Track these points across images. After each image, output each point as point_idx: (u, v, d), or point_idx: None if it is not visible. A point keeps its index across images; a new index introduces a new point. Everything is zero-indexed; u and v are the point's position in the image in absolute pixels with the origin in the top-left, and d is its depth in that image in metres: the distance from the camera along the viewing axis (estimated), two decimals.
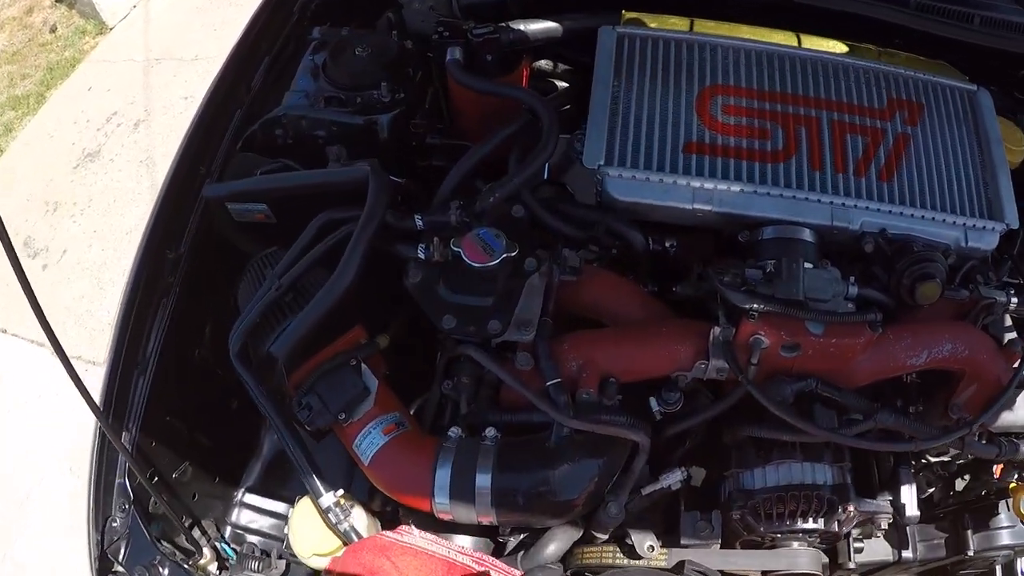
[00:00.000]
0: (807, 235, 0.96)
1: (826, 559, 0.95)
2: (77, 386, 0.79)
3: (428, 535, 0.86)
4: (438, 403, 0.99)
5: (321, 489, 0.88)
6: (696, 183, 0.97)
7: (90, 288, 2.34)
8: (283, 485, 1.28)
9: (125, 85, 2.82)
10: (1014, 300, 0.96)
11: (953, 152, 1.02)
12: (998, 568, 1.05)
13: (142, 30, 2.99)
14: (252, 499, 1.24)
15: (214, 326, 1.19)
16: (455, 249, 0.90)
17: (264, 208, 1.09)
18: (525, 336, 0.87)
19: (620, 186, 0.98)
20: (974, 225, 0.97)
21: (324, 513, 0.91)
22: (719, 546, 0.89)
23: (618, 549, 0.89)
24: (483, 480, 0.82)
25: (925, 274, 0.91)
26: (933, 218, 0.97)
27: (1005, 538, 0.95)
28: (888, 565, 1.00)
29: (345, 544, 0.93)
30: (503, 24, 1.13)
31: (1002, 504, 0.97)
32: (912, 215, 0.97)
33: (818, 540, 0.90)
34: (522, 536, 0.94)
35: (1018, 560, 1.03)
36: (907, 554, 0.97)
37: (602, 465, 0.84)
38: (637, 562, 0.87)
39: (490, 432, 0.86)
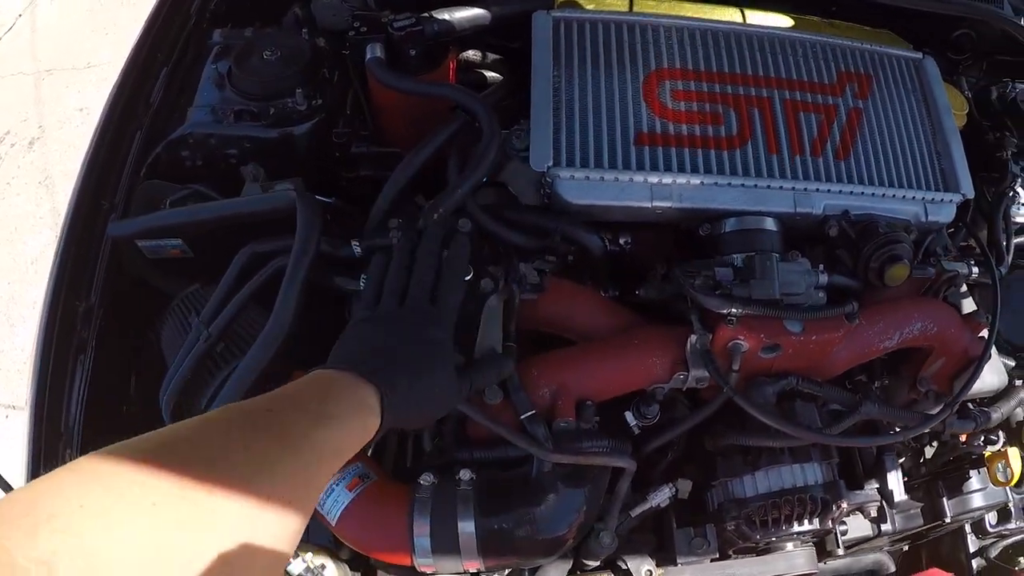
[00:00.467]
0: (770, 224, 0.92)
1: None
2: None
3: None
4: (398, 443, 0.92)
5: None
6: (653, 179, 0.90)
7: None
8: None
9: (16, 101, 2.59)
10: (975, 270, 0.95)
11: (905, 124, 0.99)
12: (967, 525, 1.06)
13: (29, 40, 2.70)
14: None
15: (138, 376, 1.07)
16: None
17: (179, 244, 0.97)
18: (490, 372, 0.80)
19: (572, 188, 0.90)
20: (932, 199, 0.95)
21: None
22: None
23: (612, 574, 0.84)
24: (466, 527, 0.75)
25: (894, 256, 0.88)
26: (893, 195, 0.94)
27: (978, 501, 0.97)
28: (869, 539, 0.99)
29: None
30: (425, 14, 1.02)
31: (973, 471, 0.97)
32: (872, 194, 0.94)
33: (811, 538, 0.88)
34: (507, 572, 0.88)
35: (987, 515, 1.05)
36: (886, 527, 0.97)
37: (588, 493, 0.79)
38: None
39: (465, 475, 0.78)
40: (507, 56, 1.12)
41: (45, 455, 0.93)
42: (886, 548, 1.10)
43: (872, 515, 0.92)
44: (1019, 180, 1.01)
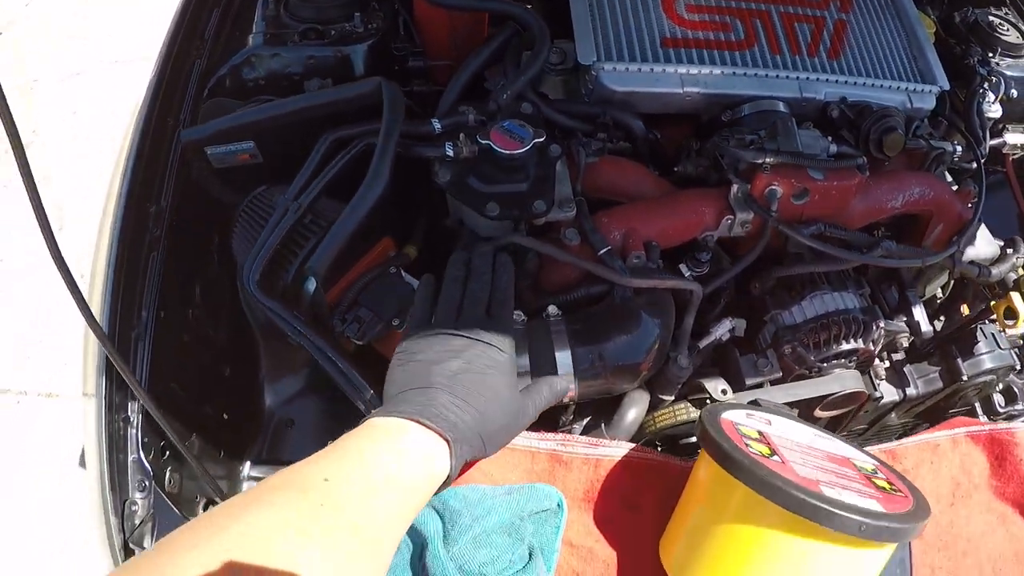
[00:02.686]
0: (782, 107, 1.06)
1: None
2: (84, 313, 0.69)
3: None
4: None
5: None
6: (683, 70, 1.04)
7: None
8: (289, 452, 1.20)
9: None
10: (959, 149, 1.11)
11: (882, 32, 1.17)
12: (977, 404, 1.18)
13: (13, 54, 2.71)
14: (259, 471, 1.15)
15: (202, 284, 1.10)
16: (483, 143, 0.89)
17: (250, 147, 1.03)
18: (568, 213, 0.89)
19: (615, 78, 1.02)
20: (915, 89, 1.12)
21: None
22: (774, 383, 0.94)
23: (689, 404, 0.91)
24: (563, 356, 0.81)
25: (889, 127, 1.03)
26: (882, 85, 1.10)
27: (988, 362, 1.08)
28: (897, 404, 1.08)
29: None
30: None
31: (979, 333, 1.09)
32: (864, 84, 1.10)
33: (855, 361, 0.98)
34: (585, 420, 0.94)
35: (994, 395, 1.17)
36: (911, 391, 1.07)
37: (663, 320, 0.87)
38: None
39: (552, 310, 0.86)
40: None
41: (119, 342, 0.94)
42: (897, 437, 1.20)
43: (903, 346, 1.02)
44: (986, 81, 1.18)
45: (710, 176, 1.02)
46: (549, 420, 0.92)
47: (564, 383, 0.79)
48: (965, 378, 1.08)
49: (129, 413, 0.91)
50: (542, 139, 0.91)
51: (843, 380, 0.96)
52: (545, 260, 0.91)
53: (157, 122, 1.07)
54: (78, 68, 2.64)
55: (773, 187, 0.94)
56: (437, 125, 0.94)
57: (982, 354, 1.10)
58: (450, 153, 0.91)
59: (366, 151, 0.93)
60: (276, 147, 1.02)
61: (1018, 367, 1.13)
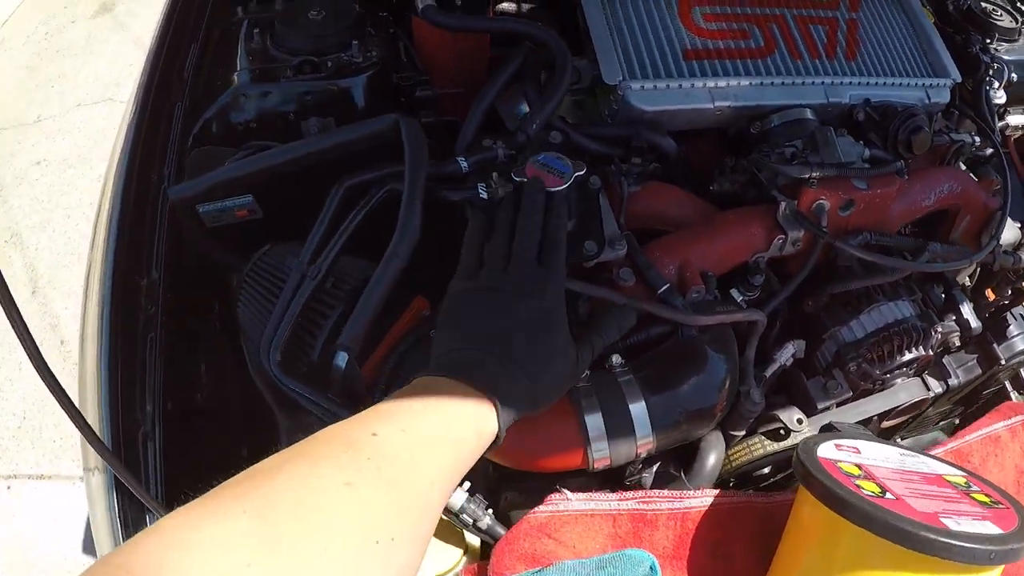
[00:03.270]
0: (810, 114, 1.02)
1: None
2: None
3: (580, 494, 0.77)
4: None
5: None
6: (711, 83, 0.98)
7: None
8: None
9: None
10: (977, 139, 1.09)
11: (892, 28, 1.14)
12: (1007, 383, 1.17)
13: None
14: None
15: (208, 361, 0.98)
16: (519, 180, 0.82)
17: (249, 201, 0.92)
18: (619, 251, 0.82)
19: (643, 97, 0.96)
20: (930, 84, 1.09)
21: (456, 516, 0.78)
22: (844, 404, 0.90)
23: (763, 438, 0.86)
24: (638, 409, 0.75)
25: (917, 127, 1.00)
26: (901, 83, 1.08)
27: (1022, 344, 1.07)
28: (940, 397, 1.07)
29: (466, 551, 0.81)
30: None
31: (1009, 316, 1.08)
32: (884, 83, 1.07)
33: (914, 370, 0.95)
34: (655, 468, 0.88)
35: (1021, 370, 1.17)
36: (953, 381, 1.05)
37: (729, 356, 0.81)
38: (786, 443, 0.85)
39: (615, 359, 0.79)
40: (544, 4, 1.18)
41: (126, 446, 0.83)
42: (941, 424, 1.20)
43: (956, 345, 1.00)
44: (990, 69, 1.17)
45: (748, 193, 0.97)
46: (614, 475, 0.86)
47: (631, 318, 0.76)
48: (1003, 362, 1.07)
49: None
50: (583, 172, 0.84)
51: (909, 390, 0.93)
52: (597, 304, 0.84)
53: (139, 179, 0.95)
54: (36, 114, 2.44)
55: (821, 201, 0.90)
56: (464, 164, 0.86)
57: (1015, 336, 1.09)
58: (484, 195, 0.82)
59: (387, 199, 0.84)
60: (279, 200, 0.91)
61: None
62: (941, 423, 1.21)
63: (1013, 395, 1.16)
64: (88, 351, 0.85)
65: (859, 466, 0.73)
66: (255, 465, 0.45)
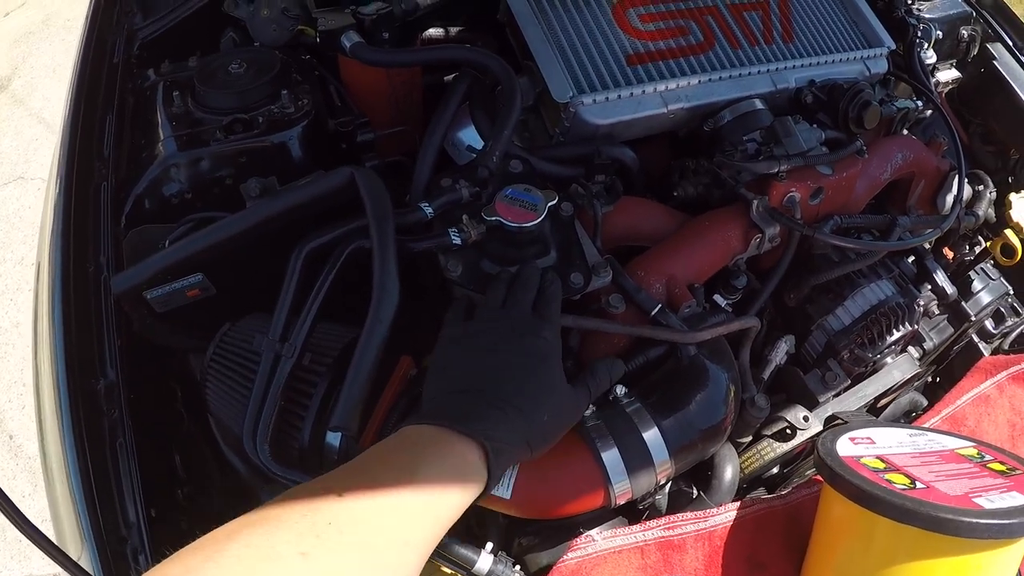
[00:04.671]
0: (760, 104, 0.99)
1: None
2: None
3: (605, 532, 0.72)
4: None
5: (471, 555, 0.69)
6: (660, 87, 0.94)
7: None
8: None
9: None
10: (919, 104, 1.09)
11: (822, 5, 1.12)
12: (974, 335, 1.18)
13: None
14: None
15: (182, 454, 0.89)
16: (491, 219, 0.76)
17: (199, 280, 0.83)
18: (605, 278, 0.77)
19: (596, 111, 0.91)
20: (868, 55, 1.08)
21: None
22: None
23: (771, 440, 0.83)
24: (651, 436, 0.71)
25: (865, 102, 0.98)
26: (840, 59, 1.06)
27: (987, 296, 1.08)
28: (920, 360, 1.07)
29: None
30: None
31: (972, 273, 1.09)
32: (825, 62, 1.05)
33: (901, 346, 0.94)
34: (667, 490, 0.84)
35: (986, 321, 1.18)
36: (928, 344, 1.05)
37: (727, 366, 0.78)
38: (794, 442, 0.82)
39: (619, 390, 0.74)
40: (473, 26, 1.11)
41: (116, 567, 0.74)
42: (915, 386, 1.20)
43: (935, 313, 1.00)
44: (918, 30, 1.17)
45: (712, 194, 0.94)
46: (628, 507, 0.82)
47: (620, 367, 0.73)
48: (973, 318, 1.08)
49: None
50: (555, 201, 0.78)
51: (901, 367, 0.92)
52: (586, 334, 0.80)
53: (76, 273, 0.85)
54: None
55: (791, 193, 0.87)
56: (428, 210, 0.79)
57: (980, 291, 1.10)
58: (457, 241, 0.76)
59: (355, 257, 0.77)
60: (232, 274, 0.83)
61: (1011, 291, 1.14)
62: (916, 383, 1.22)
63: (981, 345, 1.18)
64: (56, 474, 0.76)
65: (880, 458, 0.72)
66: (214, 531, 0.42)
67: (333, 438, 0.71)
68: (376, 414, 0.75)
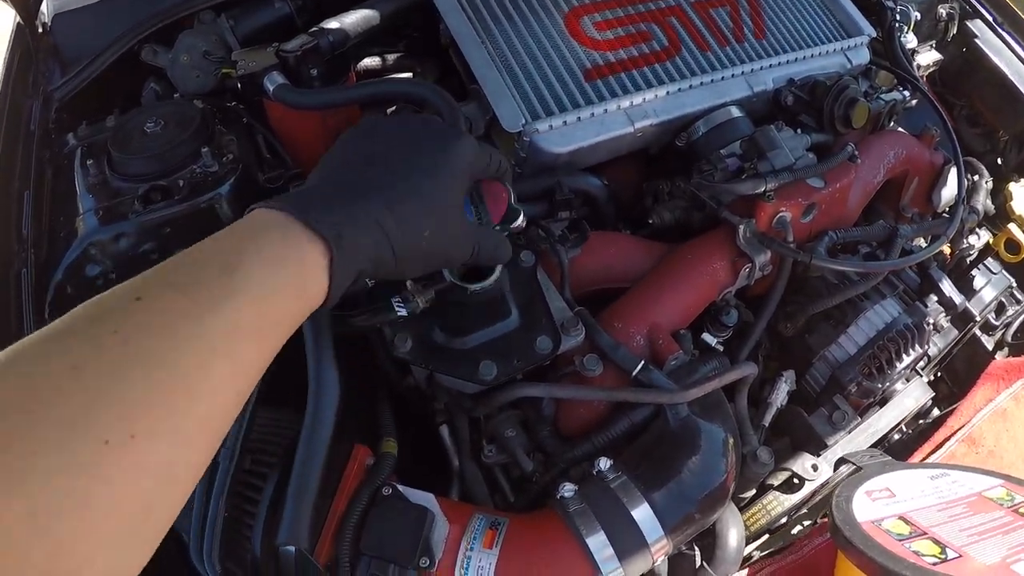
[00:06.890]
0: (736, 111, 0.86)
1: None
2: None
3: None
4: (484, 478, 0.73)
5: None
6: (625, 103, 0.81)
7: None
8: None
9: None
10: (906, 94, 0.96)
11: None
12: (977, 331, 1.06)
13: None
14: None
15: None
16: (441, 287, 0.63)
17: None
18: (577, 338, 0.65)
19: (553, 138, 0.78)
20: (847, 46, 0.95)
21: None
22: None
23: (777, 493, 0.71)
24: (642, 513, 0.59)
25: (851, 99, 0.85)
26: (819, 52, 0.93)
27: (991, 292, 0.96)
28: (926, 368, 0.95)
29: None
30: (315, 28, 0.85)
31: (974, 270, 0.97)
32: (803, 57, 0.92)
33: (911, 368, 0.81)
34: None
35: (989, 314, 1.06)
36: (932, 350, 0.93)
37: (723, 419, 0.66)
38: (803, 492, 0.71)
39: (603, 463, 0.62)
40: (411, 52, 0.97)
41: None
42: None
43: (944, 327, 0.88)
44: (896, 14, 1.04)
45: (692, 217, 0.81)
46: None
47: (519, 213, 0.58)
48: (977, 318, 0.96)
49: None
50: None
51: (914, 394, 0.79)
52: (561, 401, 0.68)
53: None
54: None
55: (781, 213, 0.74)
56: (370, 281, 0.67)
57: (982, 287, 0.98)
58: (403, 312, 0.64)
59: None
60: None
61: (1014, 283, 1.02)
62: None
63: (984, 339, 1.06)
64: None
65: (904, 519, 0.62)
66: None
67: (288, 550, 0.59)
68: (332, 515, 0.64)
